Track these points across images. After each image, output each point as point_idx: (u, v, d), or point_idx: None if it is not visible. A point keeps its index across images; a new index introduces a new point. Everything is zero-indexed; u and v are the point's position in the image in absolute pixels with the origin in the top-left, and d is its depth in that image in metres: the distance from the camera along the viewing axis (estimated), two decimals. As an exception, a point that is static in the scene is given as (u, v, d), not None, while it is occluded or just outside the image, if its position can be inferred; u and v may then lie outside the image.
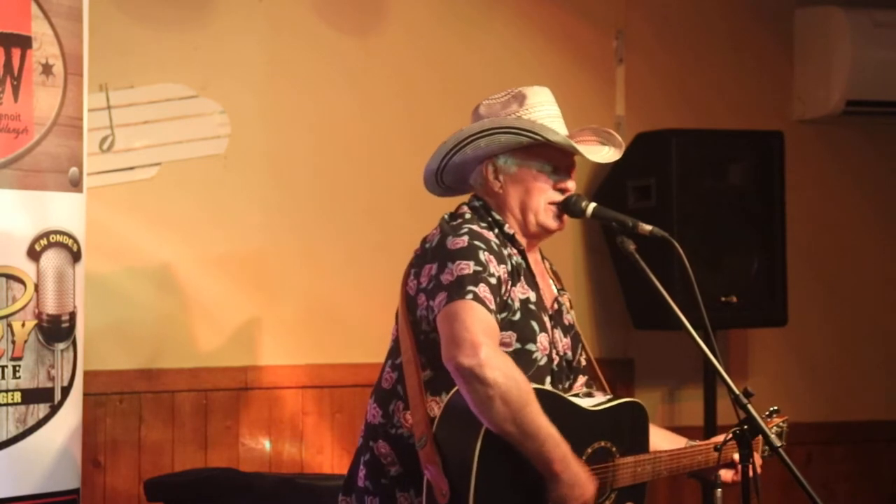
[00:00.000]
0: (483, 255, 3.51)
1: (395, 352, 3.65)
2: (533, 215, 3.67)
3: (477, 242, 3.53)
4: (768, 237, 5.85)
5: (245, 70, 5.45)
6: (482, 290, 3.44)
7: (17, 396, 4.20)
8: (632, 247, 3.66)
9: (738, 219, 5.78)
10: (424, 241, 3.64)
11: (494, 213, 3.68)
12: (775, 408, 3.92)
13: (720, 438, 3.82)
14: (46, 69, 4.24)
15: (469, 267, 3.47)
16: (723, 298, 5.66)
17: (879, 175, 6.55)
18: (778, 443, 3.45)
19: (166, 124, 5.34)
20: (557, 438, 3.40)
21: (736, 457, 3.77)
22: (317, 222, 5.53)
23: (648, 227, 3.67)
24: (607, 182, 5.91)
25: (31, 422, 4.23)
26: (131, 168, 5.30)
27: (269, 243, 5.46)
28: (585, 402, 3.63)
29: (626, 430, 3.67)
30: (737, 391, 3.49)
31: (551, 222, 3.69)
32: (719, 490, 3.61)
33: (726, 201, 5.78)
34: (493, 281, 3.48)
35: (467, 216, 3.65)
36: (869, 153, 6.53)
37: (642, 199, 5.74)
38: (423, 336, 3.55)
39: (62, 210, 4.32)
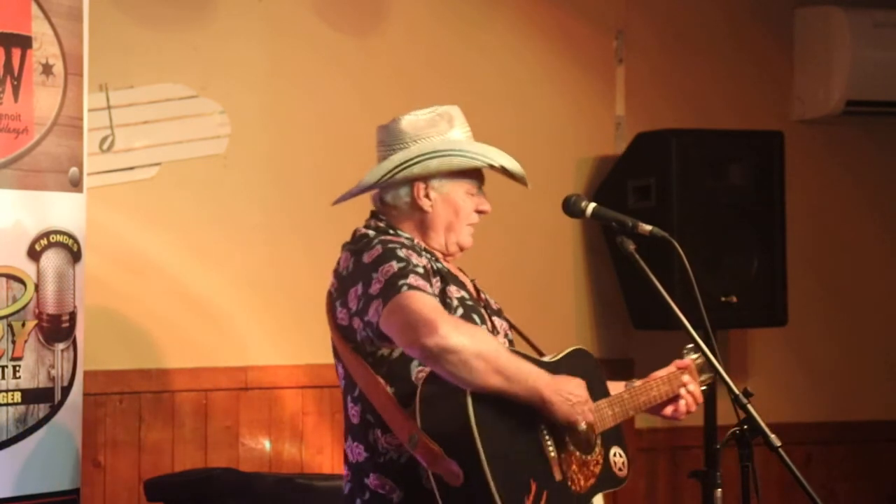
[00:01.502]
0: (402, 252, 3.55)
1: (349, 386, 3.66)
2: (454, 235, 3.72)
3: (391, 245, 3.57)
4: (768, 237, 5.85)
5: (245, 70, 5.45)
6: (413, 279, 3.47)
7: (17, 396, 4.20)
8: (632, 247, 3.67)
9: (738, 219, 5.78)
10: (338, 272, 3.67)
11: (401, 231, 3.70)
12: (691, 345, 3.97)
13: (670, 369, 3.90)
14: (46, 69, 4.24)
15: (393, 266, 3.50)
16: (723, 298, 5.66)
17: (880, 175, 6.55)
18: (778, 442, 3.45)
19: (166, 124, 5.34)
20: (535, 369, 3.47)
21: (682, 391, 3.86)
22: (317, 222, 5.53)
23: (648, 227, 3.68)
24: (607, 182, 5.91)
25: (31, 422, 4.23)
26: (131, 168, 5.30)
27: (269, 243, 5.46)
28: (546, 358, 3.69)
29: (587, 376, 3.70)
30: (737, 391, 3.50)
31: (468, 241, 3.75)
32: (719, 490, 3.62)
33: (726, 201, 5.78)
34: (421, 271, 3.52)
35: (371, 234, 3.68)
36: (869, 153, 6.53)
37: (642, 199, 5.74)
38: (370, 358, 3.56)
39: (62, 210, 4.33)
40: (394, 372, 3.52)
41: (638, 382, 3.89)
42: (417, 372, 3.52)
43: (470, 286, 3.78)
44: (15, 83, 4.17)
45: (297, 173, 5.52)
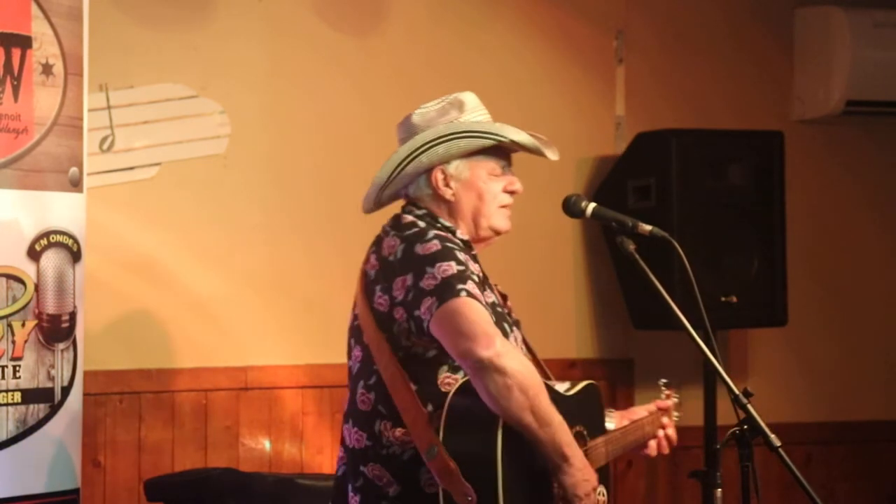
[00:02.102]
0: (461, 255, 3.50)
1: (364, 372, 3.59)
2: (485, 220, 3.67)
3: (448, 244, 3.52)
4: (768, 237, 5.85)
5: (245, 70, 5.45)
6: (471, 286, 3.43)
7: (17, 396, 4.20)
8: (632, 247, 3.67)
9: (738, 219, 5.78)
10: (381, 255, 3.58)
11: (443, 221, 3.65)
12: (664, 380, 3.98)
13: (650, 407, 3.91)
14: (46, 69, 4.24)
15: (452, 267, 3.45)
16: (723, 298, 5.66)
17: (880, 175, 6.55)
18: (778, 442, 3.45)
19: (166, 124, 5.34)
20: (564, 423, 3.44)
21: (660, 432, 3.88)
22: (317, 222, 5.53)
23: (648, 227, 3.68)
24: (607, 182, 5.91)
25: (31, 422, 4.23)
26: (131, 168, 5.30)
27: (269, 243, 5.46)
28: (561, 388, 3.66)
29: (592, 412, 3.72)
30: (737, 391, 3.50)
31: (504, 224, 3.70)
32: (719, 490, 3.61)
33: (726, 201, 5.78)
34: (476, 279, 3.48)
35: (420, 224, 3.61)
36: (869, 153, 6.53)
37: (642, 199, 5.74)
38: (401, 353, 3.50)
39: (62, 210, 4.33)
40: (420, 372, 3.47)
41: (615, 413, 3.87)
42: (444, 378, 3.49)
43: (496, 291, 3.74)
44: (15, 83, 4.17)
45: (297, 173, 5.52)
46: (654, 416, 3.91)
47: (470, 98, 3.71)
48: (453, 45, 5.77)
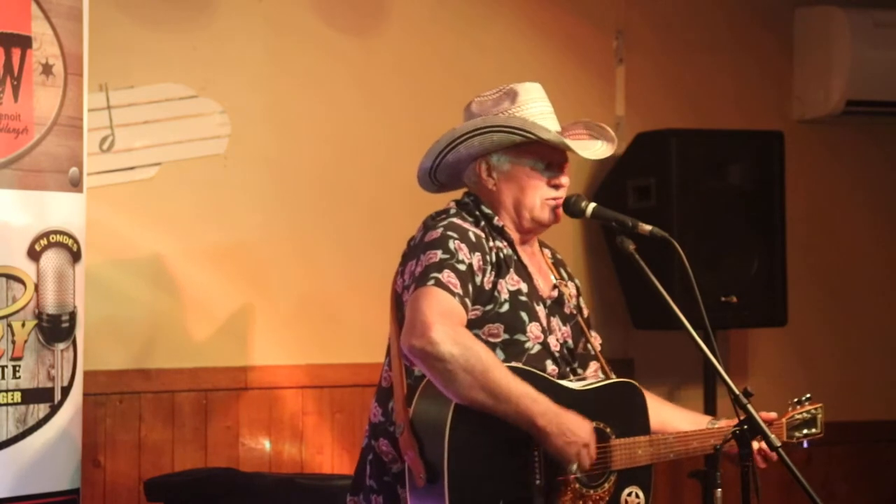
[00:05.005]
0: (452, 244, 3.54)
1: (390, 350, 3.68)
2: (527, 212, 3.70)
3: (449, 232, 3.57)
4: (768, 237, 5.85)
5: (245, 70, 5.45)
6: (446, 275, 3.47)
7: (17, 396, 4.20)
8: (632, 247, 3.68)
9: (738, 219, 5.79)
10: (410, 240, 3.68)
11: (484, 207, 3.70)
12: (808, 395, 3.96)
13: (730, 421, 3.80)
14: (46, 69, 4.24)
15: (436, 256, 3.51)
16: (723, 298, 5.66)
17: (879, 175, 6.55)
18: (777, 443, 3.46)
19: (166, 124, 5.34)
20: (533, 394, 3.42)
21: (755, 445, 3.80)
22: (317, 222, 5.53)
23: (648, 227, 3.68)
24: (607, 182, 5.91)
25: (31, 422, 4.23)
26: (131, 168, 5.30)
27: (269, 243, 5.46)
28: (574, 384, 3.64)
29: (622, 410, 3.69)
30: (737, 391, 3.50)
31: (546, 216, 3.71)
32: (719, 490, 3.61)
33: (726, 201, 5.78)
34: (462, 268, 3.51)
35: (451, 211, 3.68)
36: (869, 153, 6.54)
37: (642, 199, 5.74)
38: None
39: (62, 210, 4.33)
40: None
41: (721, 422, 3.83)
42: None
43: (545, 281, 3.75)
44: (15, 83, 4.16)
45: (297, 173, 5.52)
46: (726, 430, 3.75)
47: (525, 89, 3.73)
48: (453, 45, 5.78)
